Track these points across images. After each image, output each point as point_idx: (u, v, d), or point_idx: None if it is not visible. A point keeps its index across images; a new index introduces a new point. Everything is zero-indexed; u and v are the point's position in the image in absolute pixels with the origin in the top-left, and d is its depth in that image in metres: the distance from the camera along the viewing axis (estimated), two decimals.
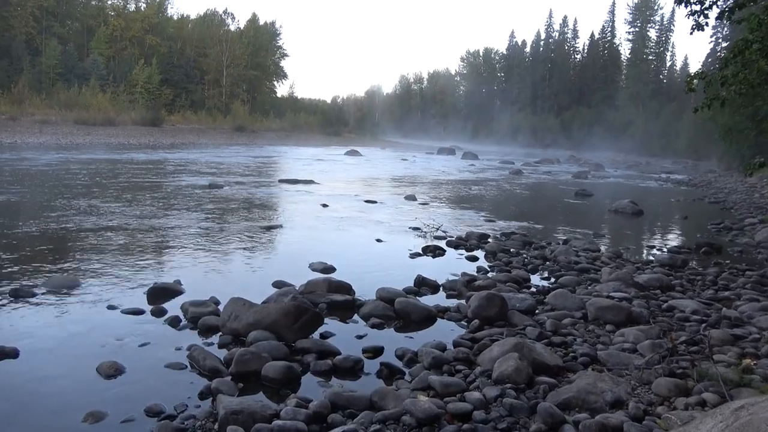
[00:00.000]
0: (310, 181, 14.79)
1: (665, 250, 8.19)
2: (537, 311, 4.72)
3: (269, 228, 8.08)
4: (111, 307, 4.33)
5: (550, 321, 4.34)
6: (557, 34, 76.23)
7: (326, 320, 4.22)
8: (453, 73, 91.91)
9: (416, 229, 8.53)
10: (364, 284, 5.17)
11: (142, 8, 57.76)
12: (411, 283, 5.40)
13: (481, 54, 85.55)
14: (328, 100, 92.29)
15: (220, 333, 3.89)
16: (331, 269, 5.85)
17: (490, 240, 7.93)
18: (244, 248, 6.85)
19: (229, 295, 4.37)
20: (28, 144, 26.36)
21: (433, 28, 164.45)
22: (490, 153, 43.76)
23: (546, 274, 6.26)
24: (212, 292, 4.69)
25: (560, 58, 74.54)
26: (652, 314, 4.66)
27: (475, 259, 6.84)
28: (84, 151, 24.10)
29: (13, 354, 3.39)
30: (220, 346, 3.72)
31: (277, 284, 5.09)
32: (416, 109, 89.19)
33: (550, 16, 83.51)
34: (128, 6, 57.69)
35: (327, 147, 42.85)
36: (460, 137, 65.31)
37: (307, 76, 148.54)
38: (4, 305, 4.28)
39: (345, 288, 4.93)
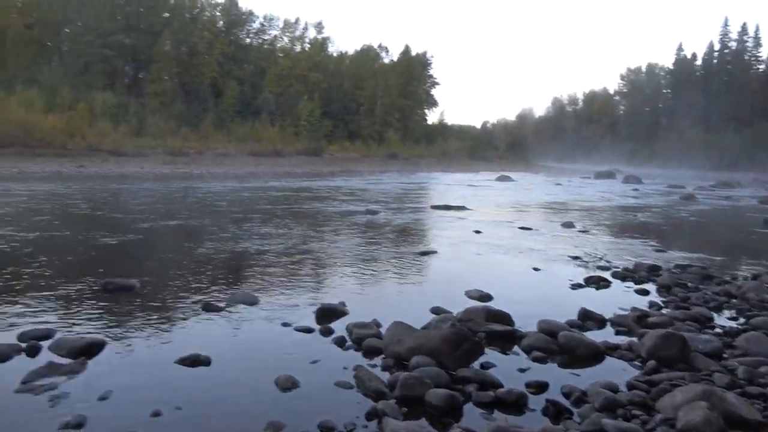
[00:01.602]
0: (462, 207, 14.80)
1: None
2: (725, 355, 4.19)
3: (424, 253, 8.21)
4: (285, 324, 4.69)
5: (743, 368, 3.81)
6: (735, 43, 68.50)
7: (486, 350, 4.15)
8: (611, 92, 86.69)
9: (576, 258, 8.10)
10: (523, 314, 5.01)
11: (306, 48, 63.00)
12: (574, 316, 5.11)
13: (643, 70, 79.93)
14: (478, 126, 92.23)
15: (383, 355, 4.01)
16: (488, 297, 5.76)
17: (662, 272, 7.25)
18: (401, 273, 7.03)
19: (390, 318, 4.51)
20: (211, 174, 29.93)
21: (589, 47, 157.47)
22: (655, 176, 40.37)
23: (733, 314, 5.54)
24: (373, 315, 4.87)
25: (739, 70, 66.82)
26: None
27: (645, 292, 6.29)
28: (255, 179, 26.73)
29: (207, 362, 3.81)
30: (383, 368, 3.83)
31: (435, 310, 5.13)
32: (571, 132, 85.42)
33: (726, 25, 75.42)
34: (294, 47, 63.32)
35: (477, 172, 42.72)
36: (620, 160, 61.20)
37: (457, 102, 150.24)
38: (199, 317, 4.85)
39: (504, 317, 4.81)
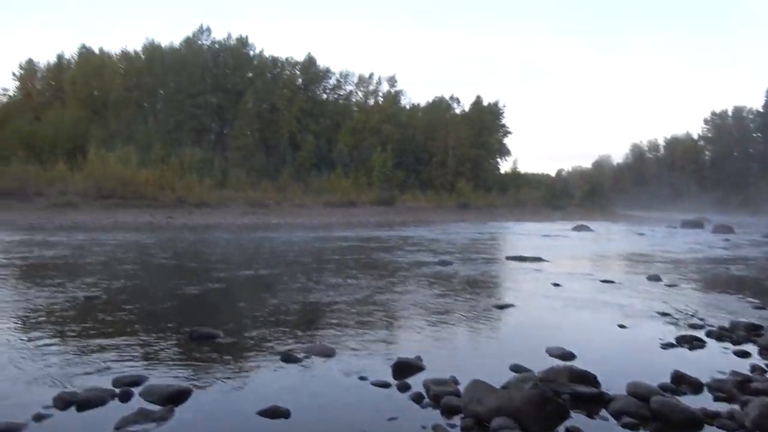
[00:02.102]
0: (539, 259, 14.41)
1: None
2: None
3: (501, 307, 8.01)
4: (361, 378, 4.68)
5: None
6: None
7: (571, 413, 3.94)
8: (695, 137, 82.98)
9: (665, 314, 7.62)
10: (609, 375, 4.74)
11: (380, 102, 64.98)
12: (666, 379, 4.77)
13: (729, 114, 76.07)
14: (552, 173, 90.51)
15: (462, 415, 3.90)
16: (571, 356, 5.50)
17: (763, 331, 6.67)
18: (477, 326, 6.88)
19: (467, 374, 4.41)
20: (288, 224, 30.97)
21: (668, 91, 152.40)
22: (748, 225, 37.72)
23: None
24: (451, 371, 4.77)
25: None
26: None
27: (745, 354, 5.79)
28: (330, 229, 27.37)
29: (287, 414, 3.85)
30: (463, 429, 3.72)
31: (515, 368, 4.96)
32: (652, 179, 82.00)
33: None
34: (368, 101, 65.50)
35: (553, 222, 41.64)
36: (708, 208, 57.78)
37: (531, 150, 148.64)
38: (278, 367, 4.95)
39: (589, 378, 4.57)
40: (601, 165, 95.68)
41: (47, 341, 5.65)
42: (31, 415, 3.71)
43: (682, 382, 4.74)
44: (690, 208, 60.60)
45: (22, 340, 5.73)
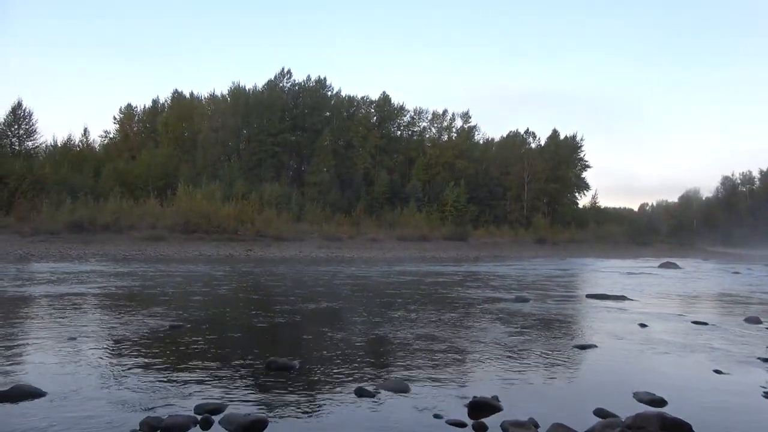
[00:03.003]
0: (623, 297, 13.68)
1: None
2: None
3: (582, 347, 7.63)
4: (436, 416, 4.57)
5: None
6: None
7: None
8: None
9: None
10: (705, 425, 4.37)
11: (453, 138, 65.18)
12: None
13: None
14: (635, 208, 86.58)
15: None
16: (661, 402, 5.12)
17: None
18: (557, 367, 6.57)
19: (547, 417, 4.21)
20: (361, 258, 31.32)
21: (762, 122, 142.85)
22: None
23: None
24: (530, 412, 4.56)
25: None
26: None
27: None
28: (402, 263, 27.38)
29: None
30: None
31: (599, 413, 4.67)
32: (746, 214, 76.48)
33: None
34: (442, 137, 65.87)
35: (636, 259, 39.62)
36: None
37: (612, 185, 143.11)
38: (352, 401, 4.93)
39: (684, 427, 4.22)
40: (688, 199, 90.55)
41: (134, 367, 5.95)
42: None
43: None
44: None
45: (111, 364, 6.06)
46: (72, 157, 50.07)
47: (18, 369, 5.78)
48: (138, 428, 4.07)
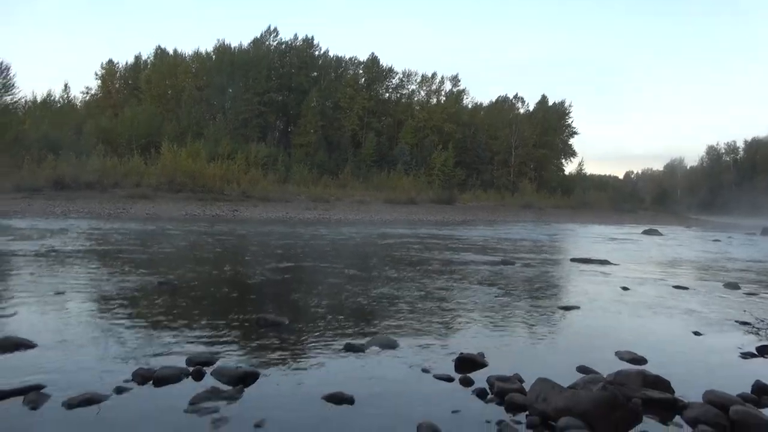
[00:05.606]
0: (605, 261, 13.91)
1: None
2: None
3: (566, 308, 7.79)
4: (424, 371, 4.68)
5: None
6: None
7: (643, 418, 3.78)
8: None
9: (746, 323, 7.18)
10: (684, 382, 4.52)
11: (442, 101, 64.58)
12: (746, 389, 4.50)
13: None
14: (620, 176, 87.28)
15: (527, 412, 3.82)
16: (642, 360, 5.28)
17: None
18: (541, 327, 6.73)
19: (531, 373, 4.33)
20: (348, 220, 31.37)
21: (748, 92, 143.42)
22: None
23: None
24: (514, 369, 4.69)
25: None
26: None
27: None
28: (389, 226, 27.48)
29: (351, 400, 3.91)
30: (528, 426, 3.65)
31: (582, 369, 4.81)
32: (729, 183, 77.52)
33: None
34: (431, 100, 65.24)
35: (620, 225, 40.15)
36: None
37: (598, 151, 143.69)
38: (341, 356, 5.03)
39: (663, 384, 4.37)
40: (673, 168, 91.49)
41: (124, 322, 5.98)
42: (113, 388, 3.94)
43: (764, 394, 4.46)
44: None
45: (101, 319, 6.08)
46: (53, 113, 48.90)
47: (6, 321, 5.78)
48: (131, 378, 4.12)
